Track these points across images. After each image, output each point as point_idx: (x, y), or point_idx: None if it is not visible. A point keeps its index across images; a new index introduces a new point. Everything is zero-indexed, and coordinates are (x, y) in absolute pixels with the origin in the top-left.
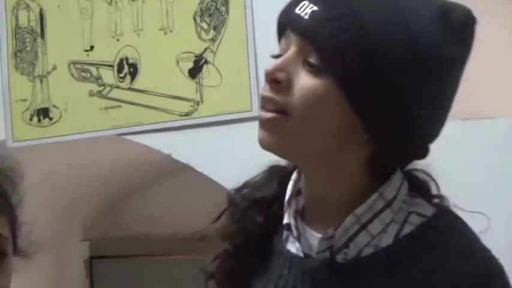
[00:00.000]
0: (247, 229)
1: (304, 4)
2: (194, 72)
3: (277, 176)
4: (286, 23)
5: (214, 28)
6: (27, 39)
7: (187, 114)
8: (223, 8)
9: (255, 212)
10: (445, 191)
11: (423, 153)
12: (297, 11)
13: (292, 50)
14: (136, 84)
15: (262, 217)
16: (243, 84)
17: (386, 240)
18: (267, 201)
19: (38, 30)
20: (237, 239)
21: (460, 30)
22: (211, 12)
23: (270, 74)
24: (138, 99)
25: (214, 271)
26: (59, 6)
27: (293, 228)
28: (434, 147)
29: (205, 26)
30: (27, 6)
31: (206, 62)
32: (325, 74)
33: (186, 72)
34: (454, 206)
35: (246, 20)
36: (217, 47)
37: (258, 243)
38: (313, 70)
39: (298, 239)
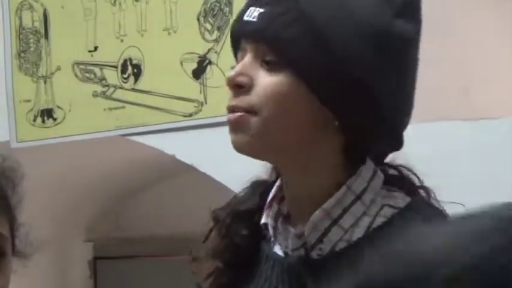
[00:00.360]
0: (234, 243)
1: (251, 10)
2: (198, 72)
3: (259, 188)
4: (239, 34)
5: (218, 29)
6: (31, 40)
7: (191, 115)
8: (227, 9)
9: (239, 226)
10: (444, 191)
11: (397, 142)
12: (245, 18)
13: (248, 56)
14: (140, 85)
15: (247, 229)
16: None
17: (358, 233)
18: (250, 213)
19: (42, 30)
20: (227, 255)
21: (405, 7)
22: (215, 12)
23: (231, 80)
24: (142, 100)
25: None
26: (62, 7)
27: (270, 227)
28: (435, 148)
29: (209, 26)
30: (31, 7)
31: (210, 62)
32: (283, 68)
33: (189, 72)
34: (436, 197)
35: None
36: (221, 48)
37: (247, 254)
38: (272, 67)
39: (275, 238)
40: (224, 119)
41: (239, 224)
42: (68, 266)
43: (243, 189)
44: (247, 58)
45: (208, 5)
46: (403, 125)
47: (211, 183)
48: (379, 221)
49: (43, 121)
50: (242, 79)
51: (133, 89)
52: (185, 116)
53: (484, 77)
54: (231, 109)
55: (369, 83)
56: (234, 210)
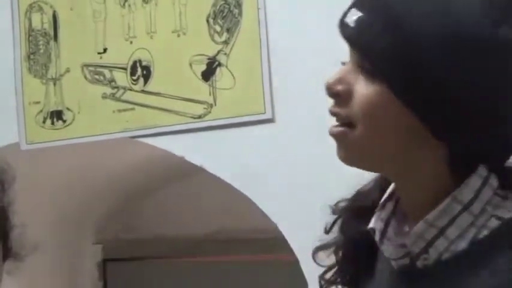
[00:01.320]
0: (353, 239)
1: (352, 11)
2: (207, 74)
3: (382, 183)
4: (339, 32)
5: (228, 30)
6: (41, 42)
7: (200, 117)
8: (236, 11)
9: (359, 221)
10: None
11: (509, 147)
12: (345, 19)
13: (349, 60)
14: (150, 87)
15: (366, 225)
16: (257, 87)
17: (462, 244)
18: (369, 208)
19: (51, 32)
20: (346, 250)
21: (505, 11)
22: (224, 14)
23: (329, 88)
24: (151, 102)
25: (330, 280)
26: (71, 9)
27: (377, 232)
28: None
29: (218, 28)
30: (41, 9)
31: (219, 64)
32: (379, 78)
33: (199, 74)
34: None
35: (259, 22)
36: (231, 50)
37: (367, 250)
38: (369, 77)
39: (381, 243)
40: (233, 120)
41: (359, 219)
42: (77, 268)
43: (368, 182)
44: (348, 64)
45: (218, 7)
46: None
47: (220, 185)
48: (484, 233)
49: (52, 123)
50: (340, 88)
51: (142, 91)
52: (194, 118)
53: None
54: (332, 115)
55: (467, 95)
56: (354, 205)
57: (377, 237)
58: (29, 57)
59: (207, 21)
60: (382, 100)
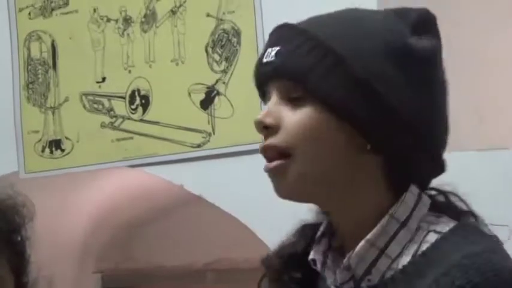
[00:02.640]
0: (287, 284)
1: (268, 51)
2: (206, 103)
3: (308, 231)
4: (261, 77)
5: (226, 59)
6: (39, 71)
7: (199, 146)
8: (235, 39)
9: (291, 270)
10: None
11: (440, 166)
12: (264, 60)
13: (274, 96)
14: (148, 116)
15: (300, 272)
16: (255, 116)
17: (404, 260)
18: (300, 254)
19: (50, 61)
20: None
21: (422, 24)
22: (223, 43)
23: (259, 123)
24: (150, 131)
25: None
26: (70, 38)
27: (318, 262)
28: (449, 179)
29: (217, 57)
30: (39, 38)
31: (218, 93)
32: (308, 102)
33: (197, 103)
34: (485, 222)
35: (257, 51)
36: (229, 79)
37: None
38: (297, 103)
39: (323, 273)
40: (231, 149)
41: (291, 268)
42: None
43: (291, 233)
44: (273, 99)
45: (217, 36)
46: (442, 148)
47: (219, 214)
48: (424, 246)
49: (51, 152)
50: (269, 120)
51: (141, 120)
52: (193, 147)
53: (497, 107)
54: (264, 151)
55: (392, 101)
56: (283, 254)
57: (319, 267)
58: (27, 86)
59: (206, 50)
60: (316, 121)
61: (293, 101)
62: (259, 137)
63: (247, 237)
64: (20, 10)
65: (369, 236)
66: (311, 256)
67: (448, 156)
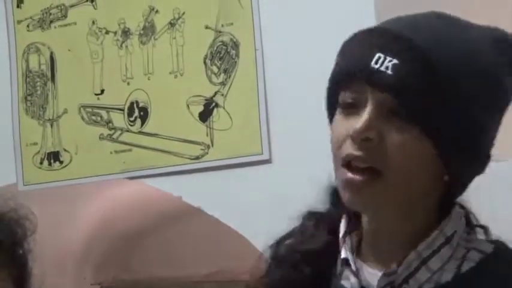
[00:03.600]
0: (296, 282)
1: (380, 57)
2: (204, 115)
3: (325, 224)
4: (360, 76)
5: (225, 71)
6: (38, 83)
7: (197, 158)
8: (233, 52)
9: (303, 265)
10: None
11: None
12: (373, 64)
13: (373, 105)
14: (147, 128)
15: (311, 269)
16: (254, 128)
17: (446, 276)
18: (316, 252)
19: (49, 74)
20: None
21: None
22: (221, 55)
23: (360, 133)
24: (149, 143)
25: None
26: (69, 50)
27: (351, 262)
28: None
29: (215, 69)
30: (38, 50)
31: (216, 105)
32: (413, 126)
33: (196, 115)
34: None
35: (256, 63)
36: (228, 91)
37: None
38: (397, 122)
39: (357, 273)
40: (230, 161)
41: (303, 263)
42: None
43: (302, 220)
44: (372, 109)
45: (215, 48)
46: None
47: (218, 226)
48: (468, 265)
49: (50, 164)
50: (371, 134)
51: (140, 132)
52: (192, 159)
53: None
54: (356, 160)
55: (487, 135)
56: (297, 247)
57: (353, 267)
58: (26, 98)
59: (204, 62)
60: (418, 148)
61: (391, 116)
62: (258, 149)
63: (246, 248)
64: (19, 22)
65: (419, 248)
66: (343, 255)
67: None
